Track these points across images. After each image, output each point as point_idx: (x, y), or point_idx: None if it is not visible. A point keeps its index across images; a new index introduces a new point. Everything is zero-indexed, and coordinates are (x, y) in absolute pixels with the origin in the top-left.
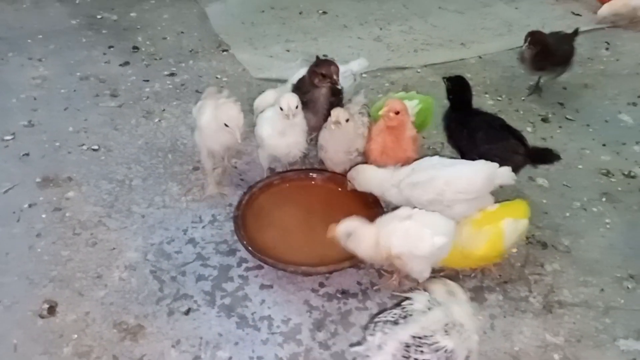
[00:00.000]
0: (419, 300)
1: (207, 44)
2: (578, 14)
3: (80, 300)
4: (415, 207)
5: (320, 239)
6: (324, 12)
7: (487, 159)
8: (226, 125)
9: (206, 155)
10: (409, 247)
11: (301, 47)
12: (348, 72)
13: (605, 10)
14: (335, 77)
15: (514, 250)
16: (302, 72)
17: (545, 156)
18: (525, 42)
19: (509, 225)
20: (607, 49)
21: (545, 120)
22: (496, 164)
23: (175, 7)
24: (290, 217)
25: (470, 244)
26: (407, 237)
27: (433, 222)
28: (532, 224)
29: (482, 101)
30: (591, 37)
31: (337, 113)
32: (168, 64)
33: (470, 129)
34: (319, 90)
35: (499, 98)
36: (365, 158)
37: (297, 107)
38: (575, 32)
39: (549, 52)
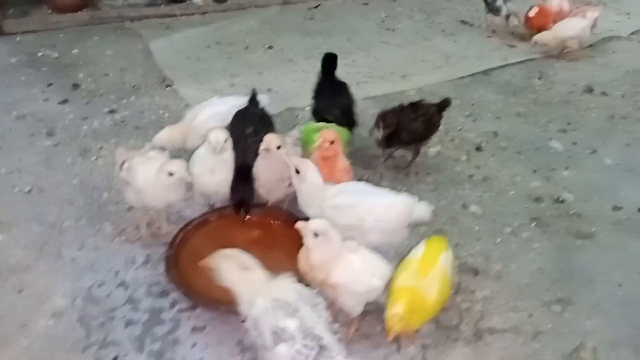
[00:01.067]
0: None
1: (151, 80)
2: (513, 46)
3: (3, 350)
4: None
5: None
6: (270, 47)
7: (321, 111)
8: (171, 174)
9: (142, 212)
10: (346, 281)
11: (246, 81)
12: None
13: (537, 38)
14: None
15: None
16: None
17: (347, 117)
18: (376, 124)
19: (446, 258)
20: (539, 78)
21: (479, 148)
22: (416, 198)
23: (119, 43)
24: None
25: (426, 294)
26: (349, 270)
27: (374, 264)
28: (464, 251)
29: None
30: (525, 68)
31: (268, 139)
32: (109, 100)
33: (320, 89)
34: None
35: None
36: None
37: (225, 142)
38: (446, 102)
39: (399, 134)
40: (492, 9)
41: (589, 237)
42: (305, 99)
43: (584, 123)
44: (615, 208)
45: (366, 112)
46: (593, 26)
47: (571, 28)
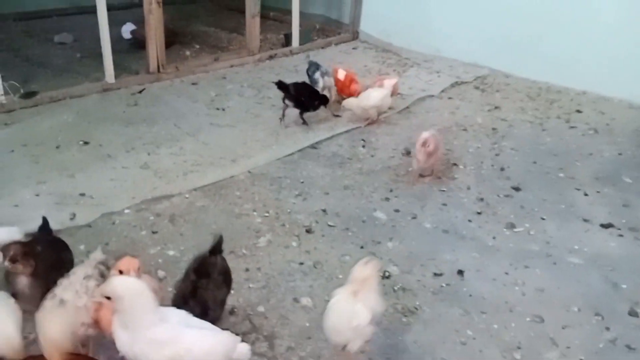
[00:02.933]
0: None
1: None
2: (338, 115)
3: None
4: None
5: None
6: (86, 143)
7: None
8: None
9: None
10: None
11: (54, 187)
12: None
13: (345, 103)
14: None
15: None
16: None
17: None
18: None
19: None
20: (363, 146)
21: (309, 231)
22: (239, 339)
23: None
24: None
25: None
26: None
27: None
28: (296, 355)
29: (251, 220)
30: (350, 137)
31: None
32: None
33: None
34: (20, 279)
35: (267, 214)
36: (97, 329)
37: None
38: (219, 242)
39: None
40: (312, 81)
41: (414, 313)
42: (124, 201)
43: (404, 188)
44: (436, 275)
45: (193, 206)
46: (393, 93)
47: (372, 98)
